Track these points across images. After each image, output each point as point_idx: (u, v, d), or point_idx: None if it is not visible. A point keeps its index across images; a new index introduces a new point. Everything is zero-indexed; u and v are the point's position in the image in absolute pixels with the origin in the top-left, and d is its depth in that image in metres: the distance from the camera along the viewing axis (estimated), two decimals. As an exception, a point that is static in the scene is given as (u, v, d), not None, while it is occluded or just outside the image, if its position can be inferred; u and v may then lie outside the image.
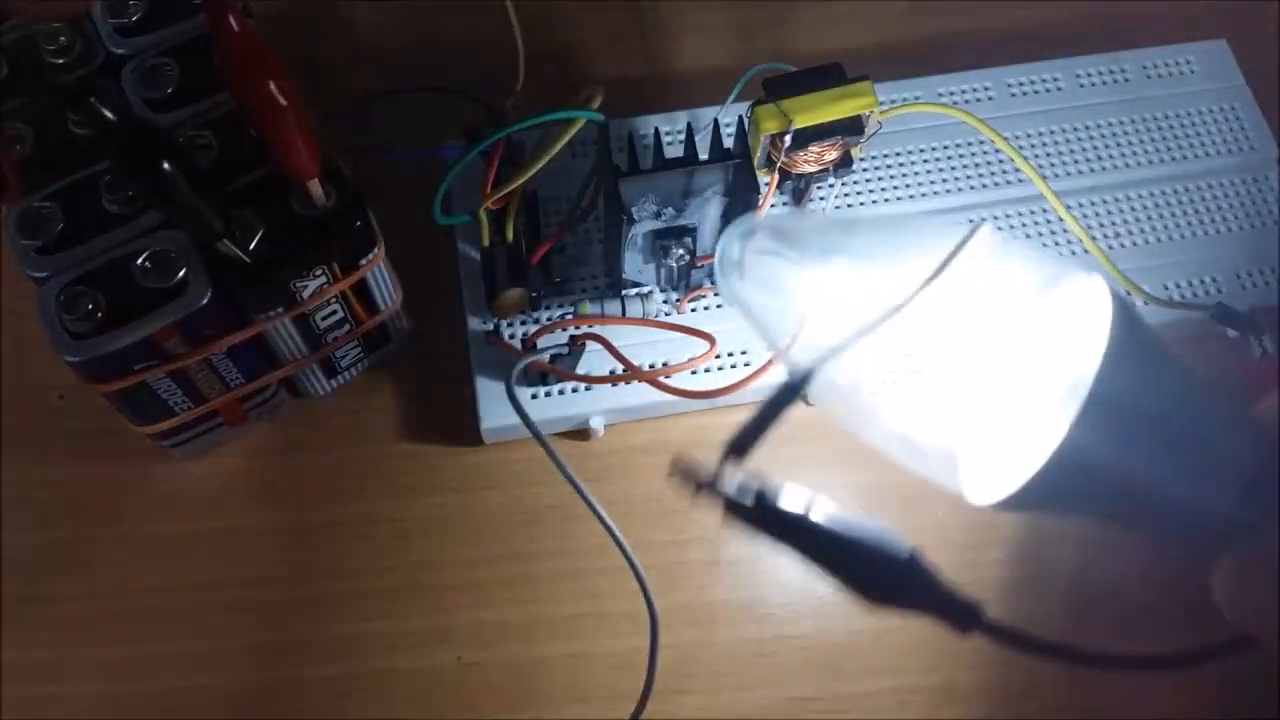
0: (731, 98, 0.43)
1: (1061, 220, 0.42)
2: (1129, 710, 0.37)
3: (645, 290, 0.41)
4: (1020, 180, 0.44)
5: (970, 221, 0.42)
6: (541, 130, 0.40)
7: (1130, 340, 0.23)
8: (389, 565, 0.39)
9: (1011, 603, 0.39)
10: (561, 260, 0.42)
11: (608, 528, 0.36)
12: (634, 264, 0.40)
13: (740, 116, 0.40)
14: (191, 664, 0.38)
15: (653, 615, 0.36)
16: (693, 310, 0.42)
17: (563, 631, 0.38)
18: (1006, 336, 0.24)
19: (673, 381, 0.39)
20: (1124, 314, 0.24)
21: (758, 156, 0.39)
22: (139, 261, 0.34)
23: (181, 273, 0.34)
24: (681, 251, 0.39)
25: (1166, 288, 0.42)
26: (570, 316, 0.41)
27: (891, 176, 0.44)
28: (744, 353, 0.41)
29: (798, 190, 0.42)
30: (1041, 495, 0.24)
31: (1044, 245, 0.43)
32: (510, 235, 0.40)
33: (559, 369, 0.39)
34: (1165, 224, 0.44)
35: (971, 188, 0.44)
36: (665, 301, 0.42)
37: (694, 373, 0.40)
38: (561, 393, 0.40)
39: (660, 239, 0.39)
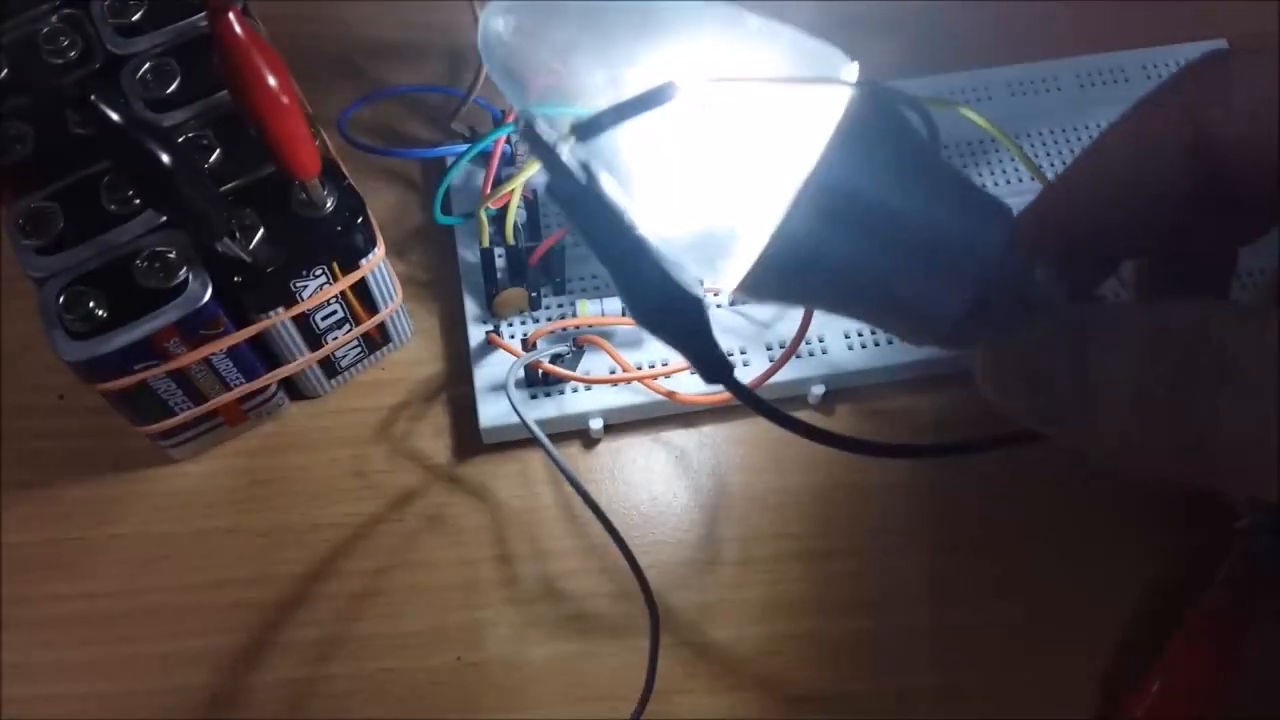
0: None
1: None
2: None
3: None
4: (1021, 180, 0.44)
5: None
6: (541, 130, 0.40)
7: (868, 131, 0.22)
8: (389, 565, 0.39)
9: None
10: (561, 260, 0.42)
11: (608, 527, 0.36)
12: (634, 264, 0.40)
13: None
14: (191, 664, 0.38)
15: (653, 615, 0.36)
16: (693, 310, 0.42)
17: (563, 631, 0.38)
18: (742, 126, 0.23)
19: (672, 382, 0.39)
20: (867, 105, 0.23)
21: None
22: (139, 261, 0.34)
23: (181, 273, 0.34)
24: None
25: (1166, 288, 0.42)
26: (570, 316, 0.41)
27: (891, 176, 0.44)
28: (744, 352, 0.41)
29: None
30: (775, 282, 0.23)
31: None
32: (510, 235, 0.40)
33: (559, 369, 0.39)
34: (1165, 224, 0.44)
35: (971, 188, 0.44)
36: (665, 301, 0.42)
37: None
38: (561, 393, 0.40)
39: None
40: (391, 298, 0.40)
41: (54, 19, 0.37)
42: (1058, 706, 0.37)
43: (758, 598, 0.39)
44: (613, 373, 0.40)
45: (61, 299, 0.34)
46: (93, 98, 0.29)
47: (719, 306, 0.42)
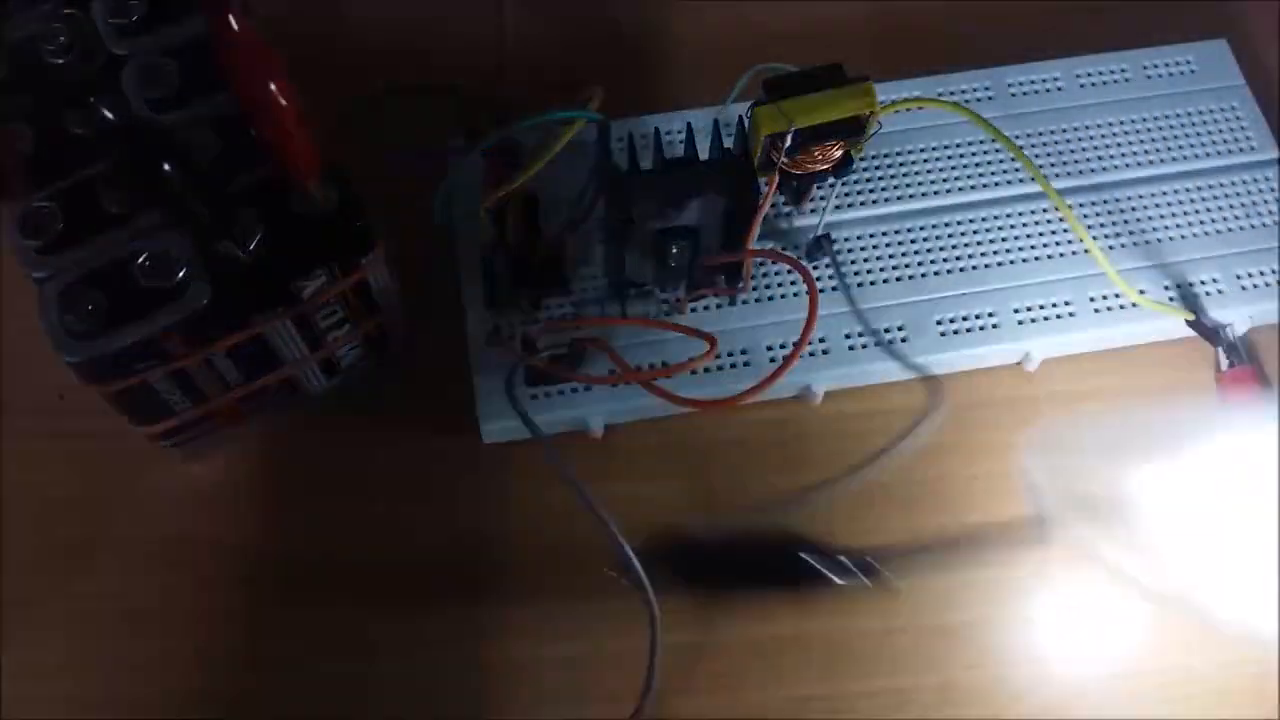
0: (732, 97, 0.43)
1: (1063, 220, 0.42)
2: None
3: (645, 290, 0.41)
4: (1021, 180, 0.44)
5: (970, 220, 0.43)
6: (541, 131, 0.40)
7: None
8: (389, 565, 0.39)
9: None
10: (562, 260, 0.42)
11: (608, 527, 0.36)
12: (634, 264, 0.40)
13: (740, 116, 0.40)
14: (191, 664, 0.38)
15: (653, 615, 0.36)
16: (693, 310, 0.42)
17: (563, 631, 0.38)
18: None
19: (672, 383, 0.39)
20: None
21: (758, 158, 0.39)
22: (139, 261, 0.34)
23: (181, 273, 0.34)
24: (682, 252, 0.39)
25: (1166, 288, 0.42)
26: (570, 317, 0.41)
27: (892, 176, 0.44)
28: (744, 353, 0.41)
29: (798, 191, 0.42)
30: None
31: (1043, 244, 0.43)
32: (510, 235, 0.40)
33: (559, 369, 0.39)
34: (1165, 224, 0.44)
35: (972, 187, 0.44)
36: (665, 301, 0.42)
37: (694, 373, 0.40)
38: (561, 393, 0.40)
39: (660, 239, 0.39)
40: (391, 298, 0.40)
41: (54, 19, 0.37)
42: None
43: (757, 597, 0.39)
44: (612, 373, 0.40)
45: (61, 299, 0.34)
46: (92, 98, 0.29)
47: (730, 305, 0.42)
